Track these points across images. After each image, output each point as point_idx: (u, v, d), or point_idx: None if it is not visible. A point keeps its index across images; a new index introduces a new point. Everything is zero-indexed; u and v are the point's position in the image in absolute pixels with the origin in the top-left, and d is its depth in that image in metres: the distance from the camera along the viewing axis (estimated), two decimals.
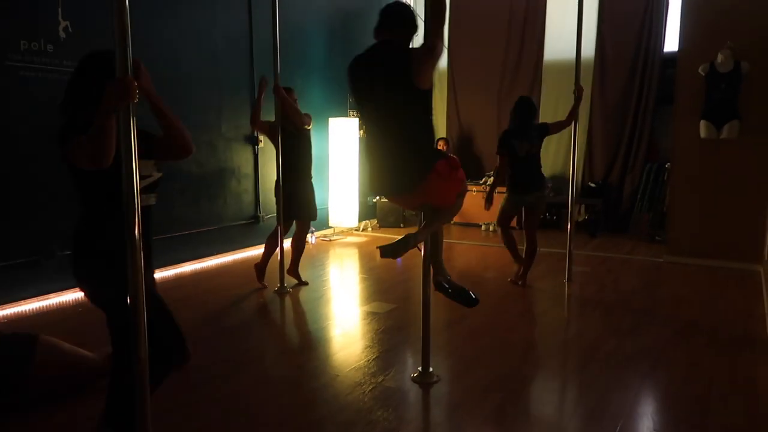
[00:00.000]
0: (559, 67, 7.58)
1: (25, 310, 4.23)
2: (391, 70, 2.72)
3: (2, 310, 4.15)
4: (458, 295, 3.03)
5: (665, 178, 6.77)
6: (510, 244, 4.93)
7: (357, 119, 7.65)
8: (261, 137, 6.22)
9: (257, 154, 6.28)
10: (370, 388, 3.01)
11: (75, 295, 4.43)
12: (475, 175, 8.21)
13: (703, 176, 5.70)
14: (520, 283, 4.93)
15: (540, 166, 4.81)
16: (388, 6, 2.87)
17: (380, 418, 2.70)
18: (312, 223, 5.03)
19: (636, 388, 3.04)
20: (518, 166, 4.72)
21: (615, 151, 7.53)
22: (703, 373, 3.21)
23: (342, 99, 7.60)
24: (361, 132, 7.81)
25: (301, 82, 6.76)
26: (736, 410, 2.78)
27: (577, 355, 3.52)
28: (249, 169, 6.26)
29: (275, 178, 4.77)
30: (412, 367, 3.22)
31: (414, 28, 2.88)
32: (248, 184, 6.26)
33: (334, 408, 2.81)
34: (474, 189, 7.91)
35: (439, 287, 3.04)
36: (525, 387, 3.11)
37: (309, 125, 4.85)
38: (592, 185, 7.56)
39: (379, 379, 3.11)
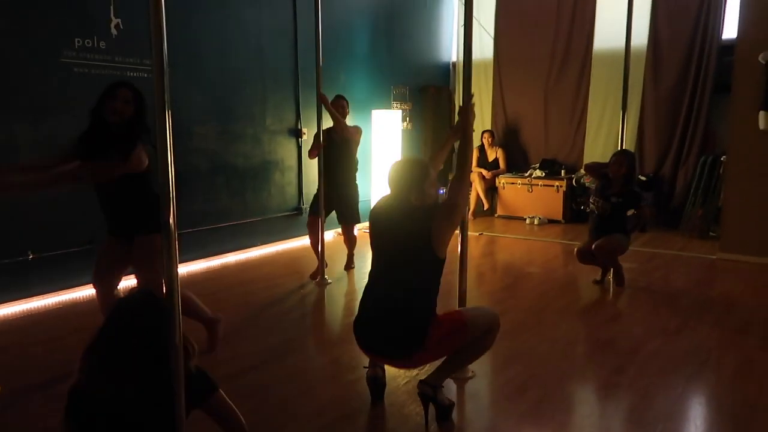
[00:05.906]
0: (610, 56, 7.32)
1: (80, 297, 4.43)
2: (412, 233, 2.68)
3: (58, 296, 4.36)
4: (441, 412, 2.57)
5: (721, 171, 6.47)
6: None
7: (400, 111, 7.64)
8: (304, 130, 6.31)
9: (300, 147, 6.35)
10: (404, 381, 3.02)
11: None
12: (521, 168, 8.08)
13: (761, 170, 5.42)
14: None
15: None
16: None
17: (413, 412, 2.70)
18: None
19: (681, 390, 2.94)
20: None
21: (668, 142, 7.25)
22: (753, 376, 3.07)
23: (386, 91, 7.59)
24: (405, 124, 7.80)
25: (345, 74, 6.78)
26: None
27: (619, 354, 3.42)
28: (293, 161, 6.34)
29: (318, 177, 4.83)
30: None
31: None
32: (292, 177, 6.34)
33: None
34: (519, 182, 7.78)
35: (423, 397, 2.55)
36: (563, 385, 3.04)
37: (358, 138, 4.95)
38: (643, 178, 7.29)
39: (414, 374, 3.11)
